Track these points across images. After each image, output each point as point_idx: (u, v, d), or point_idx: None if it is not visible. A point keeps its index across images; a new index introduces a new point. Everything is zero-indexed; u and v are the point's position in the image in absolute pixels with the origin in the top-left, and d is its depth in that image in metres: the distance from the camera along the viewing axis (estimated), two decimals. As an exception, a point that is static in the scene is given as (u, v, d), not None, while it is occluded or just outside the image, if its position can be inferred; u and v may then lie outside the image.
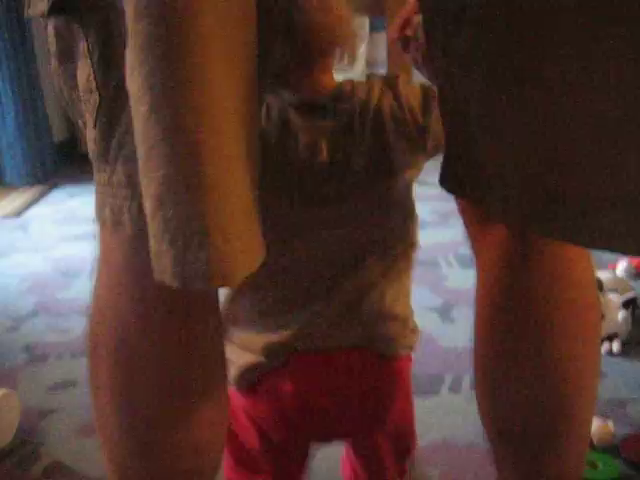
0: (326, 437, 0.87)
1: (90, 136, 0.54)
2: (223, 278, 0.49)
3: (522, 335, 0.67)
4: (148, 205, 0.48)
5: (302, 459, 0.88)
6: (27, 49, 3.17)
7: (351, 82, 0.75)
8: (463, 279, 1.87)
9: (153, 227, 0.48)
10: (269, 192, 0.61)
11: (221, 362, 0.65)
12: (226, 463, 0.86)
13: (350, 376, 0.78)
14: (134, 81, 0.46)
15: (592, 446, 1.12)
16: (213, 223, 0.47)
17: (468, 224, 0.71)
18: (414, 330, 0.82)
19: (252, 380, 0.79)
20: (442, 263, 2.05)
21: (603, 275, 1.65)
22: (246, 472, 0.85)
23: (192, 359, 0.61)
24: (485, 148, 0.56)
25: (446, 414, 1.26)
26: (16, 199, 3.00)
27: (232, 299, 0.79)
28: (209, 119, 0.46)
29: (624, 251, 0.52)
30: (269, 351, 0.77)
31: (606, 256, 2.00)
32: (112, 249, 0.58)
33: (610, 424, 1.14)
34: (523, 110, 0.51)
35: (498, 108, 0.52)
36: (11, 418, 1.24)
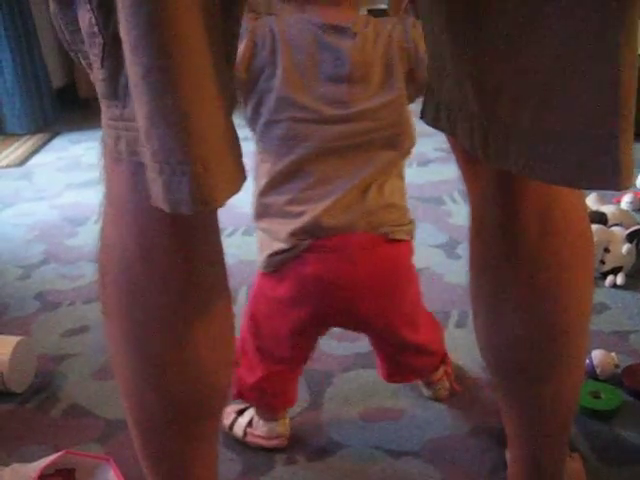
0: (345, 320, 0.98)
1: (97, 76, 0.58)
2: (204, 203, 0.54)
3: (514, 267, 0.68)
4: (141, 138, 0.53)
5: (312, 345, 1.02)
6: (21, -6, 3.11)
7: (367, 16, 0.94)
8: (468, 215, 1.86)
9: (146, 157, 0.54)
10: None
11: (224, 283, 0.68)
12: (245, 361, 1.00)
13: (363, 255, 0.91)
14: (121, 25, 0.50)
15: (596, 377, 1.15)
16: (193, 154, 0.52)
17: (459, 160, 0.72)
18: (412, 221, 0.97)
19: (278, 265, 0.92)
20: (447, 200, 2.05)
21: (607, 209, 1.65)
22: (266, 363, 0.99)
23: (193, 281, 0.63)
24: (454, 81, 0.60)
25: (453, 349, 1.28)
26: (18, 148, 2.99)
27: (263, 193, 0.93)
28: (181, 58, 0.50)
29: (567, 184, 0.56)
30: (293, 237, 0.90)
31: (610, 190, 1.99)
32: (116, 183, 0.62)
33: (614, 355, 1.17)
34: (483, 41, 0.55)
35: (464, 38, 0.56)
36: (29, 364, 1.27)
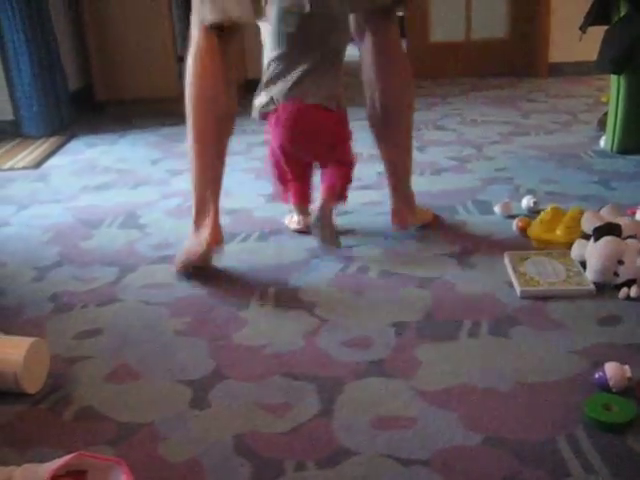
0: (309, 153, 1.81)
1: None
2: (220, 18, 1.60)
3: (377, 60, 1.75)
4: None
5: (306, 171, 1.92)
6: (40, -2, 3.14)
7: None
8: (481, 225, 1.87)
9: None
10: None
11: (231, 75, 1.68)
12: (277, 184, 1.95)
13: (296, 116, 1.68)
14: None
15: (608, 389, 1.14)
16: None
17: (356, 35, 1.79)
18: (337, 97, 1.71)
19: (264, 113, 1.74)
20: (460, 209, 2.05)
21: (622, 221, 1.64)
22: (284, 183, 1.92)
23: (222, 75, 1.64)
24: None
25: (465, 359, 1.28)
26: (35, 150, 3.02)
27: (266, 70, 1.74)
28: None
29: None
30: (274, 95, 1.71)
31: (625, 202, 1.99)
32: (197, 39, 1.63)
33: (627, 368, 1.16)
34: None
35: None
36: (42, 365, 1.28)
